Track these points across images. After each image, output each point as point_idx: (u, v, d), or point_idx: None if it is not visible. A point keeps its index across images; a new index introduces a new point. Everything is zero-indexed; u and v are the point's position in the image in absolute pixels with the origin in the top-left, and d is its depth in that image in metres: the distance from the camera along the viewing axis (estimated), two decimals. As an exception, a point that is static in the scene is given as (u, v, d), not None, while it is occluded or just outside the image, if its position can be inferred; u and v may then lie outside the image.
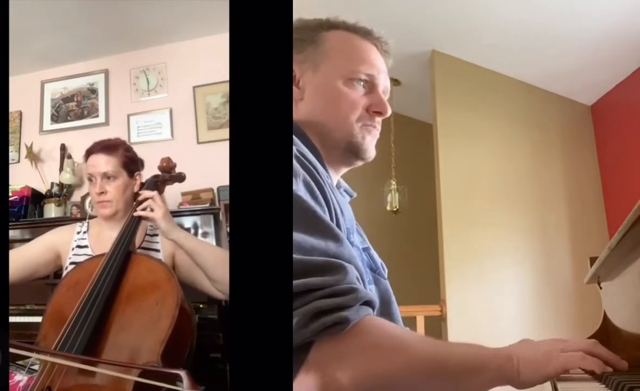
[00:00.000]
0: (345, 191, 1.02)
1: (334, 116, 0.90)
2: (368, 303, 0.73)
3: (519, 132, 3.47)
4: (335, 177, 0.96)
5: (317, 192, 0.79)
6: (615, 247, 0.96)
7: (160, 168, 1.72)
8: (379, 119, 0.94)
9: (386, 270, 0.98)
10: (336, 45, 0.93)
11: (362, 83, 0.92)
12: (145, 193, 1.53)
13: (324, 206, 0.79)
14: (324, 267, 0.71)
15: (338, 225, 0.81)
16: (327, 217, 0.78)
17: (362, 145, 0.92)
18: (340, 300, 0.69)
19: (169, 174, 1.72)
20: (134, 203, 1.60)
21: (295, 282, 0.69)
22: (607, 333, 1.20)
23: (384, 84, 0.95)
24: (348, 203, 0.98)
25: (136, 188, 1.66)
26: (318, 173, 0.81)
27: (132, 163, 1.66)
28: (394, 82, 3.72)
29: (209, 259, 1.48)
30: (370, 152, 0.94)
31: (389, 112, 0.94)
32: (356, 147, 0.92)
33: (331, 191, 0.84)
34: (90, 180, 1.62)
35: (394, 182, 3.68)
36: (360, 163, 0.95)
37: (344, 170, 0.98)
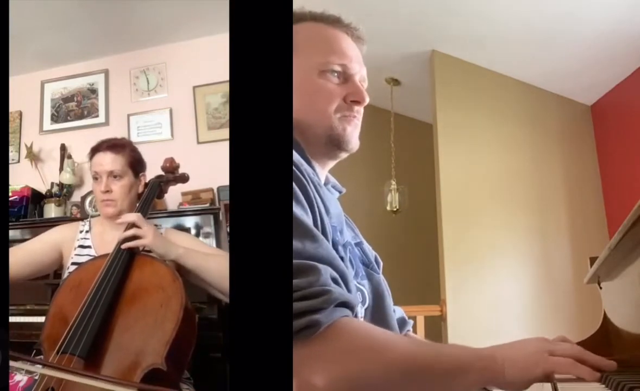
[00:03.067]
0: (334, 187, 1.00)
1: (312, 110, 0.89)
2: (345, 304, 0.71)
3: (519, 132, 3.48)
4: (322, 172, 0.95)
5: (299, 192, 0.78)
6: (615, 247, 0.96)
7: (164, 168, 1.71)
8: (358, 108, 0.93)
9: (381, 264, 0.97)
10: (305, 38, 0.92)
11: (336, 73, 0.91)
12: (126, 217, 1.49)
13: (305, 206, 0.78)
14: (297, 270, 0.70)
15: (322, 224, 0.80)
16: (306, 218, 0.77)
17: (343, 136, 0.91)
18: (312, 302, 0.67)
19: (172, 175, 1.71)
20: (138, 203, 1.59)
21: None
22: (607, 333, 1.20)
23: (359, 72, 0.94)
24: (337, 199, 0.97)
25: (140, 189, 1.66)
26: (300, 171, 0.81)
27: (138, 164, 1.65)
28: (394, 82, 3.72)
29: (214, 274, 1.45)
30: (353, 143, 0.93)
31: (367, 99, 0.92)
32: (337, 138, 0.90)
33: (315, 189, 0.83)
34: (95, 178, 1.60)
35: (394, 182, 3.68)
36: (344, 155, 0.94)
37: (331, 163, 0.97)
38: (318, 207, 0.81)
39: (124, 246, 1.42)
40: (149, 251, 1.59)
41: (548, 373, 0.68)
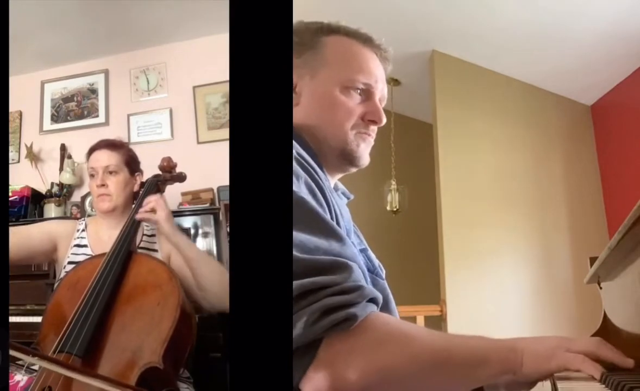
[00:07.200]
0: (343, 193, 1.03)
1: (330, 123, 0.91)
2: (373, 300, 0.74)
3: (519, 132, 3.48)
4: (331, 180, 0.97)
5: (319, 194, 0.80)
6: (615, 247, 0.96)
7: (161, 168, 1.72)
8: (373, 127, 0.95)
9: (384, 271, 0.98)
10: (335, 51, 0.94)
11: (358, 91, 0.93)
12: (150, 197, 1.53)
13: (325, 207, 0.81)
14: (331, 266, 0.72)
15: (338, 225, 0.82)
16: (329, 218, 0.79)
17: (356, 152, 0.93)
18: (349, 297, 0.70)
19: (169, 174, 1.72)
20: (135, 204, 1.60)
21: (303, 281, 0.69)
22: (607, 333, 1.20)
23: (381, 92, 0.96)
24: (345, 205, 0.99)
25: (136, 188, 1.68)
26: (318, 175, 0.83)
27: (133, 163, 1.68)
28: (394, 82, 3.72)
29: (204, 270, 1.48)
30: (364, 160, 0.95)
31: (384, 120, 0.95)
32: (350, 154, 0.93)
33: (330, 193, 0.85)
34: (91, 175, 1.63)
35: (394, 182, 3.68)
36: (354, 170, 0.96)
37: (338, 175, 0.99)
38: (334, 209, 0.83)
39: (138, 215, 1.49)
40: (144, 248, 1.61)
41: (560, 368, 0.70)
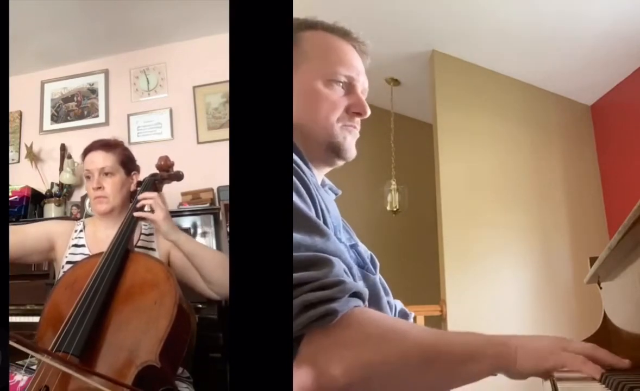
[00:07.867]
0: (330, 189, 1.03)
1: (315, 117, 0.92)
2: (357, 295, 0.74)
3: (519, 132, 3.47)
4: (319, 176, 0.98)
5: (302, 190, 0.80)
6: (615, 247, 0.96)
7: (158, 167, 1.72)
8: (358, 119, 0.96)
9: (377, 264, 0.98)
10: (315, 46, 0.94)
11: (341, 84, 0.93)
12: (147, 194, 1.54)
13: (309, 204, 0.80)
14: (310, 262, 0.72)
15: (324, 221, 0.82)
16: (312, 214, 0.79)
17: (343, 145, 0.93)
18: (328, 292, 0.70)
19: (167, 173, 1.72)
20: (133, 202, 1.60)
21: None
22: (607, 333, 1.20)
23: (362, 84, 0.97)
24: (333, 201, 0.99)
25: (133, 187, 1.68)
26: (302, 171, 0.83)
27: (129, 162, 1.68)
28: (394, 82, 3.72)
29: (207, 262, 1.50)
30: (351, 152, 0.95)
31: (368, 112, 0.95)
32: (337, 147, 0.93)
33: (316, 189, 0.85)
34: (87, 177, 1.63)
35: (394, 182, 3.68)
36: (341, 163, 0.97)
37: (327, 169, 0.99)
38: (320, 205, 0.83)
39: (136, 214, 1.51)
40: (142, 247, 1.61)
41: (558, 367, 0.69)
